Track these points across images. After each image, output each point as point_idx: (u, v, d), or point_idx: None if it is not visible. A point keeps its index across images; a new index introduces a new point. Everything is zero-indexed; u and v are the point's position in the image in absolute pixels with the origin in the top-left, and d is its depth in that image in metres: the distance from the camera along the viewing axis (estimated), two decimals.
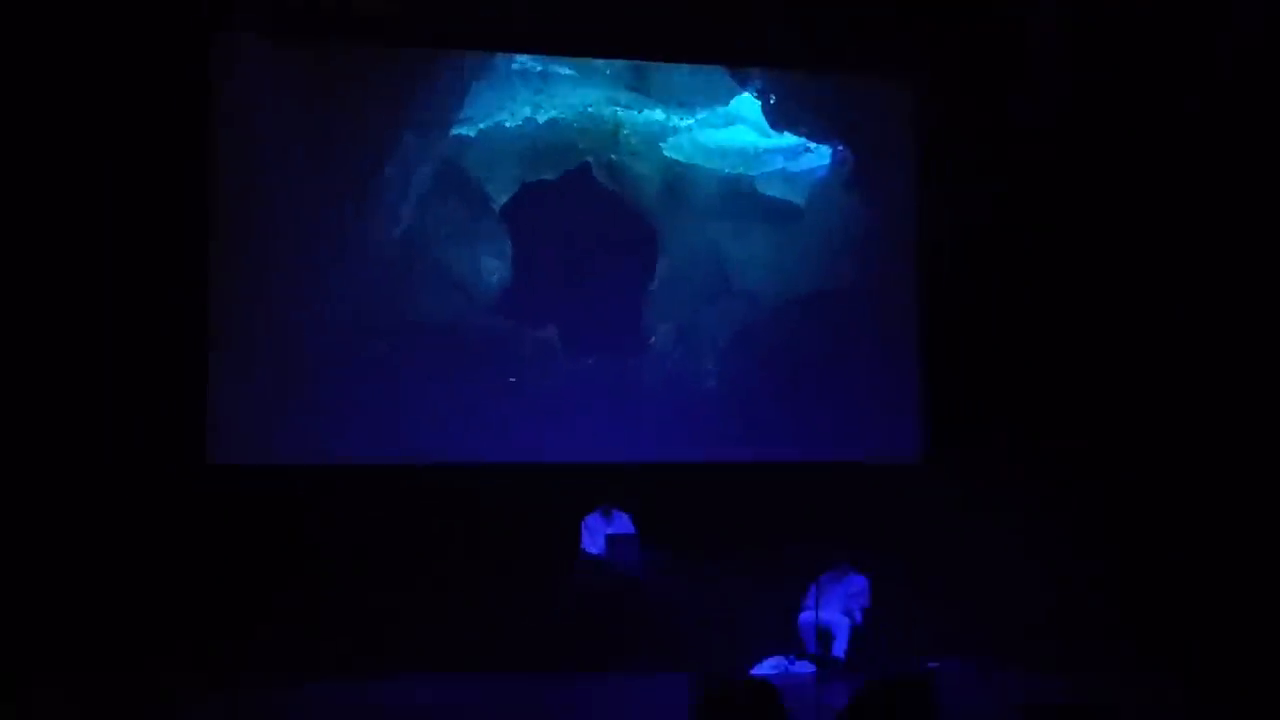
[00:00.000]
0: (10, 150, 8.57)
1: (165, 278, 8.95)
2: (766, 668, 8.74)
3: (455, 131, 9.72)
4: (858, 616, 8.98)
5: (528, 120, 9.85)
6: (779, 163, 10.17)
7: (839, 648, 8.86)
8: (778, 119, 10.13)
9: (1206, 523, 9.40)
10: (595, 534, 9.35)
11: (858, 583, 9.09)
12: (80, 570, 8.48)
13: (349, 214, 9.47)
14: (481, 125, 9.79)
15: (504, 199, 9.80)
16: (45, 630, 8.05)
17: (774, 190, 10.16)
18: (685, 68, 10.06)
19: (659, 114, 10.03)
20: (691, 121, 10.09)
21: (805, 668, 8.82)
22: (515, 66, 9.85)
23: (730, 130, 10.11)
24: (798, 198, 10.18)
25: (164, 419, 8.92)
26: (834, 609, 8.97)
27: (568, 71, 9.92)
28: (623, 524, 9.38)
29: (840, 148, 10.20)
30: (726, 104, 10.12)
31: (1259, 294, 9.40)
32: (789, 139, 10.16)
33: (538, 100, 9.86)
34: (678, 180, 10.06)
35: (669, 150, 10.05)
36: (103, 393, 8.75)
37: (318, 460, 9.19)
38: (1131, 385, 9.76)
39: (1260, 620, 8.63)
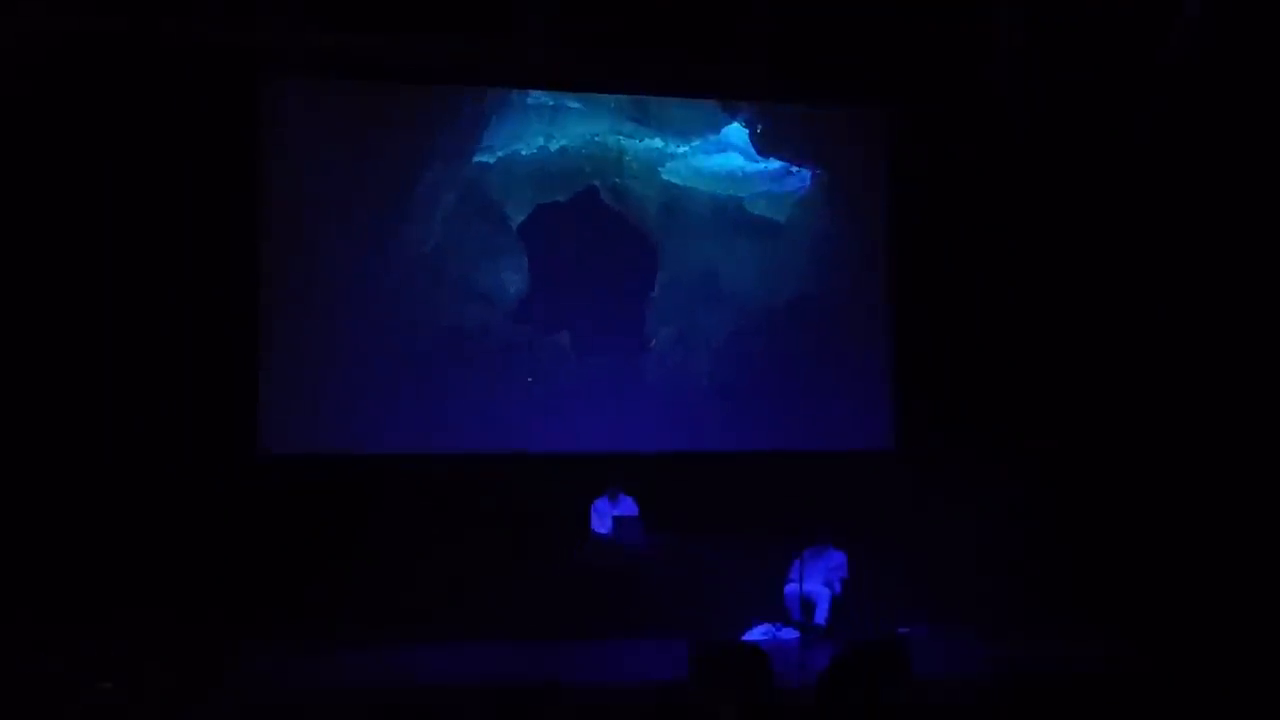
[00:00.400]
0: (105, 175, 8.95)
1: (222, 288, 9.34)
2: (756, 634, 9.07)
3: (477, 159, 10.03)
4: (837, 588, 9.30)
5: (541, 148, 10.14)
6: (765, 184, 10.47)
7: (820, 616, 9.19)
8: (764, 146, 10.47)
9: (1164, 502, 9.63)
10: (603, 515, 9.72)
11: (837, 558, 9.41)
12: (138, 550, 8.82)
13: (385, 232, 9.81)
14: (500, 153, 10.10)
15: (521, 218, 10.10)
16: (102, 606, 8.24)
17: (760, 209, 10.46)
18: (681, 101, 10.34)
19: (658, 142, 10.33)
20: (687, 148, 10.37)
21: (790, 634, 9.18)
22: (530, 101, 10.15)
23: (721, 156, 10.41)
24: (781, 215, 10.48)
25: (220, 411, 9.26)
26: (816, 581, 9.31)
27: (576, 105, 10.23)
28: (627, 506, 9.72)
29: (819, 170, 10.53)
30: (718, 132, 10.43)
31: (1219, 284, 9.55)
32: (774, 163, 10.48)
33: (550, 131, 10.15)
34: (675, 201, 10.35)
35: (667, 174, 10.35)
36: (174, 388, 9.12)
37: (356, 450, 9.53)
38: (1083, 378, 9.99)
39: (1219, 590, 8.90)
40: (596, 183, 10.29)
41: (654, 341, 10.35)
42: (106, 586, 8.53)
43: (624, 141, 10.34)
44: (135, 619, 8.19)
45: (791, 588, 9.37)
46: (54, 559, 8.53)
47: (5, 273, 8.85)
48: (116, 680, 6.72)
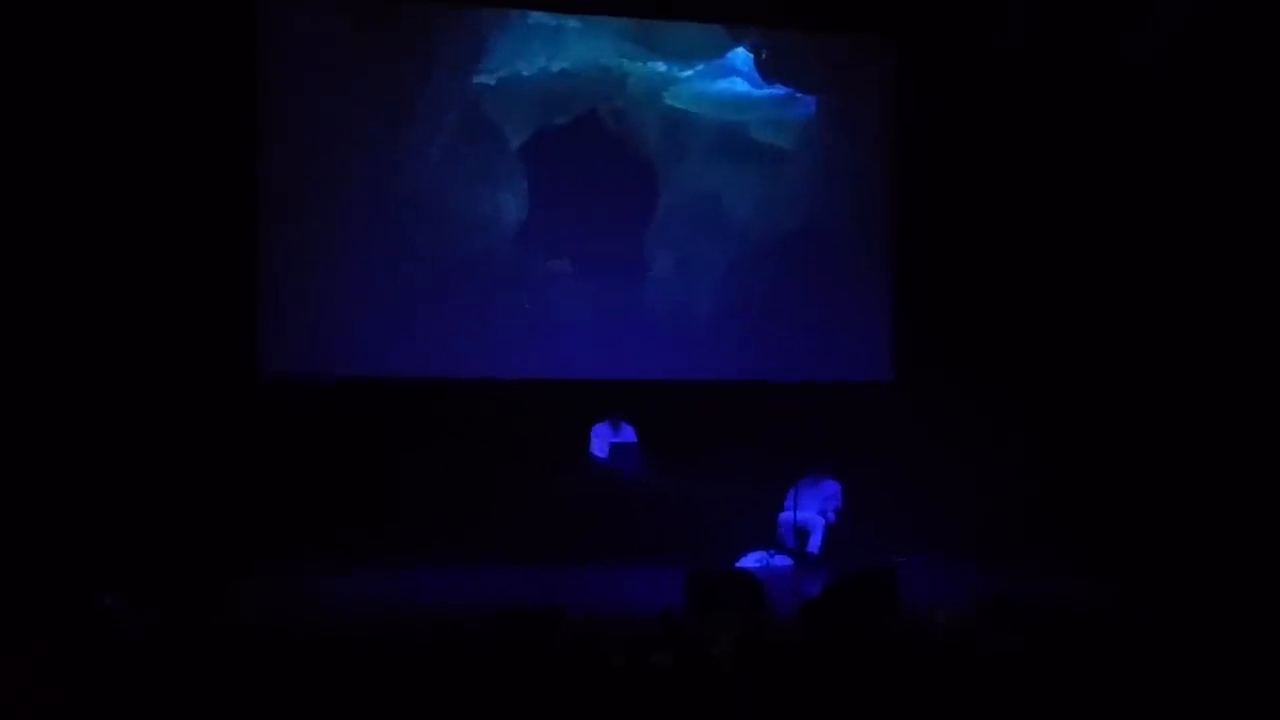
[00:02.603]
0: (89, 93, 8.74)
1: (221, 210, 9.20)
2: (750, 561, 9.15)
3: (476, 80, 9.85)
4: (831, 516, 9.45)
5: (542, 70, 9.95)
6: (769, 110, 10.35)
7: (814, 544, 9.36)
8: (768, 71, 10.32)
9: (1156, 434, 9.63)
10: (602, 441, 9.79)
11: (831, 487, 9.53)
12: (141, 471, 8.81)
13: (383, 152, 9.67)
14: (500, 74, 9.90)
15: (520, 141, 9.96)
16: (103, 531, 8.28)
17: (765, 135, 10.35)
18: (684, 24, 10.18)
19: (661, 66, 10.17)
20: (690, 73, 10.22)
21: (784, 561, 9.32)
22: (530, 21, 9.96)
23: (725, 81, 10.28)
24: (786, 142, 10.38)
25: (220, 334, 9.21)
26: (810, 510, 9.44)
27: (578, 26, 10.04)
28: (628, 433, 9.79)
29: (824, 97, 10.41)
30: (722, 57, 10.28)
31: (1230, 220, 9.52)
32: (779, 89, 10.35)
33: (551, 52, 9.96)
34: (678, 126, 10.23)
35: (670, 99, 10.21)
36: (173, 309, 9.05)
37: (355, 373, 9.50)
38: (1084, 310, 10.01)
39: (1218, 525, 8.98)
40: (598, 106, 10.14)
41: (654, 269, 10.29)
42: (108, 510, 8.55)
43: (626, 64, 10.19)
44: (137, 542, 8.30)
45: (786, 516, 9.49)
46: (54, 484, 8.52)
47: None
48: (116, 595, 6.75)
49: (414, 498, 9.24)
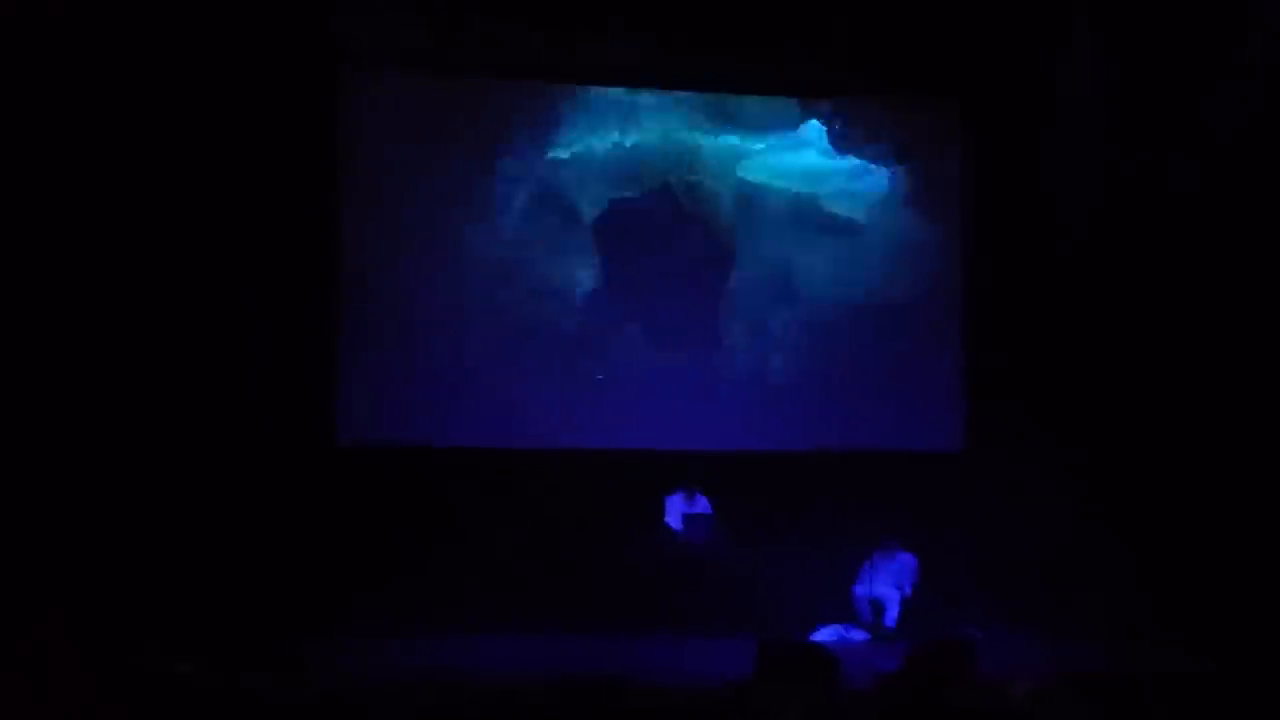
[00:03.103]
0: (176, 168, 8.97)
1: (304, 282, 9.40)
2: (825, 634, 9.03)
3: (551, 155, 10.01)
4: (907, 590, 9.31)
5: (616, 144, 10.11)
6: (843, 182, 10.39)
7: (889, 618, 9.23)
8: (842, 143, 10.39)
9: (1233, 506, 9.46)
10: (677, 512, 9.76)
11: (906, 560, 9.40)
12: (215, 537, 8.83)
13: (460, 226, 9.84)
14: (574, 149, 10.08)
15: (595, 215, 10.10)
16: (179, 595, 8.25)
17: (838, 207, 10.38)
18: (758, 97, 10.30)
19: (734, 139, 10.26)
20: (763, 145, 10.31)
21: (859, 635, 9.23)
22: (605, 97, 10.12)
23: (799, 153, 10.35)
24: (859, 214, 10.40)
25: (299, 404, 9.36)
26: (885, 583, 9.33)
27: (651, 101, 10.17)
28: (701, 504, 9.76)
29: (897, 168, 10.44)
30: (795, 129, 10.36)
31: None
32: (852, 160, 10.41)
33: (624, 126, 10.13)
34: (751, 198, 10.28)
35: (743, 171, 10.27)
36: (255, 380, 9.20)
37: (430, 443, 9.59)
38: (1158, 386, 9.85)
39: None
40: (670, 179, 10.25)
41: (726, 338, 10.31)
42: (182, 573, 8.60)
43: (699, 138, 10.30)
44: (211, 607, 8.31)
45: (861, 589, 9.42)
46: (131, 549, 8.61)
47: (87, 258, 8.92)
48: (196, 663, 6.82)
49: (483, 566, 9.26)
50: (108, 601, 7.98)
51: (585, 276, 10.15)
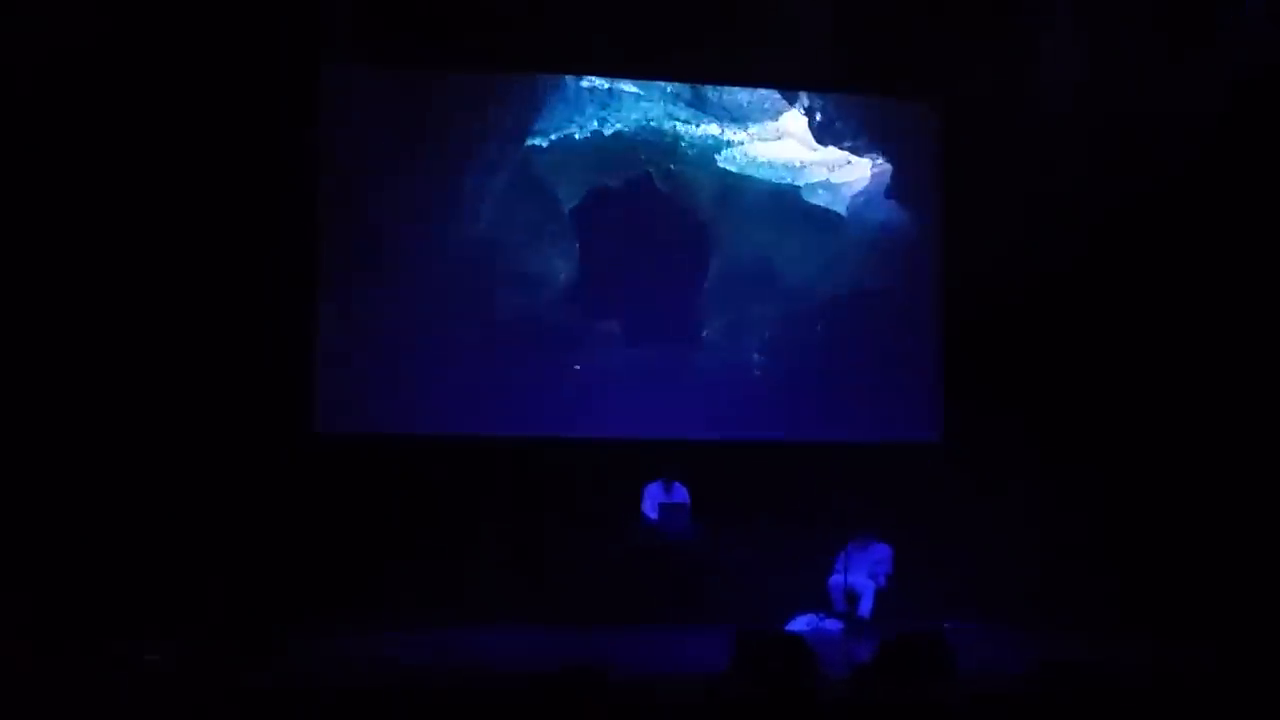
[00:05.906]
0: (156, 162, 8.96)
1: (280, 269, 9.32)
2: (799, 624, 9.12)
3: (529, 142, 9.96)
4: (881, 580, 9.33)
5: (595, 133, 10.07)
6: (823, 174, 10.40)
7: (864, 608, 9.24)
8: (822, 134, 10.39)
9: (1205, 499, 9.53)
10: (654, 501, 9.76)
11: (882, 551, 9.42)
12: (192, 527, 8.78)
13: (437, 214, 9.77)
14: (553, 136, 10.03)
15: (573, 203, 10.01)
16: (154, 585, 8.28)
17: (817, 199, 10.39)
18: (739, 88, 10.27)
19: (714, 128, 10.24)
20: (744, 135, 10.30)
21: (834, 625, 9.24)
22: (584, 85, 10.08)
23: (779, 145, 10.33)
24: (839, 206, 10.40)
25: (275, 393, 9.29)
26: (860, 573, 9.34)
27: (632, 89, 10.14)
28: (680, 494, 9.77)
29: (878, 161, 10.45)
30: (776, 120, 10.36)
31: (1264, 292, 9.57)
32: (832, 153, 10.41)
33: (604, 115, 10.08)
34: (730, 189, 10.24)
35: (723, 162, 10.24)
36: (231, 368, 9.15)
37: (410, 431, 9.54)
38: (1137, 376, 9.91)
39: (1253, 592, 8.94)
40: (650, 169, 10.20)
41: (705, 331, 10.29)
42: (156, 562, 8.59)
43: (679, 127, 10.27)
44: (185, 596, 8.30)
45: (836, 579, 9.42)
46: (105, 538, 8.59)
47: (66, 251, 8.90)
48: (164, 653, 6.80)
49: (461, 556, 9.26)
50: (81, 590, 8.03)
51: (563, 265, 10.10)
